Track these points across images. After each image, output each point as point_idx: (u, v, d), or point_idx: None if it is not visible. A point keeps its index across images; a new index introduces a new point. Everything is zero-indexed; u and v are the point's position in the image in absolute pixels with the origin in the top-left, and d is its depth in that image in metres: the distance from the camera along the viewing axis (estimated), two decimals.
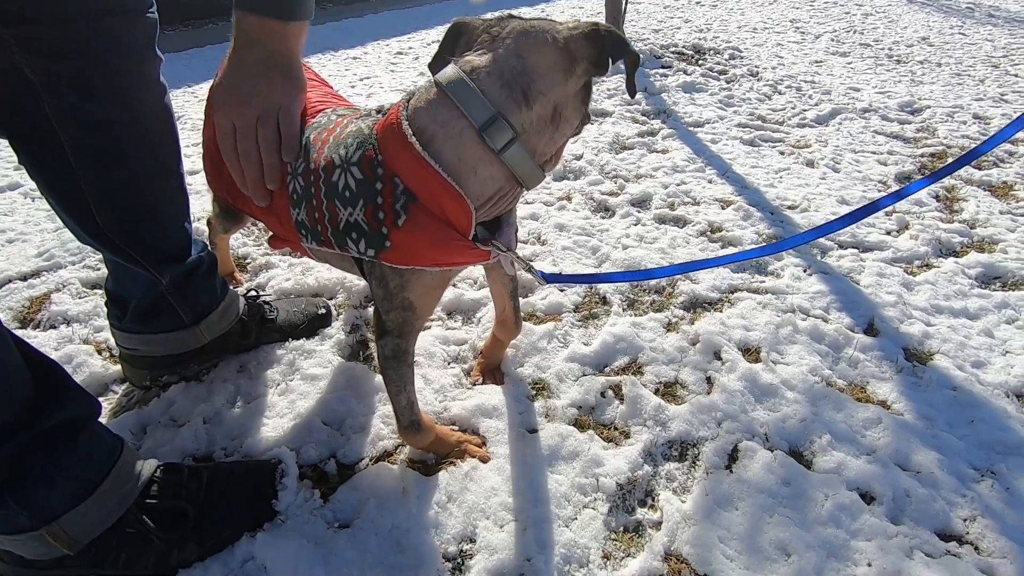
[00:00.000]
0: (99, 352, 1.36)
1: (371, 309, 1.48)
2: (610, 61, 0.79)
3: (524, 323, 1.36)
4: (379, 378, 1.24)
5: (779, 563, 0.91)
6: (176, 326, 1.18)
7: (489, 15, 0.84)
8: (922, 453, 1.10)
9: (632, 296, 1.54)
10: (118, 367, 1.28)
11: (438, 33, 5.17)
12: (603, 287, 1.55)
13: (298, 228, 0.88)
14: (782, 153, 2.50)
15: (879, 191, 2.15)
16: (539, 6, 6.16)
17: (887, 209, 2.00)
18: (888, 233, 1.86)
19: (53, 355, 1.26)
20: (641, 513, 0.99)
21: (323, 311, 1.43)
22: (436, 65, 0.86)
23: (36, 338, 1.38)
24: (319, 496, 0.99)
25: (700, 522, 0.96)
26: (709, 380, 1.27)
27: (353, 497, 0.99)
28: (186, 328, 1.19)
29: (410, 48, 4.51)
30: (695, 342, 1.36)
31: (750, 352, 1.35)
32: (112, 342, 1.37)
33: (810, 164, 2.39)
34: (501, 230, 0.89)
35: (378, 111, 0.86)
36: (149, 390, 1.24)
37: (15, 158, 0.96)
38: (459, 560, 0.91)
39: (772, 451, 1.09)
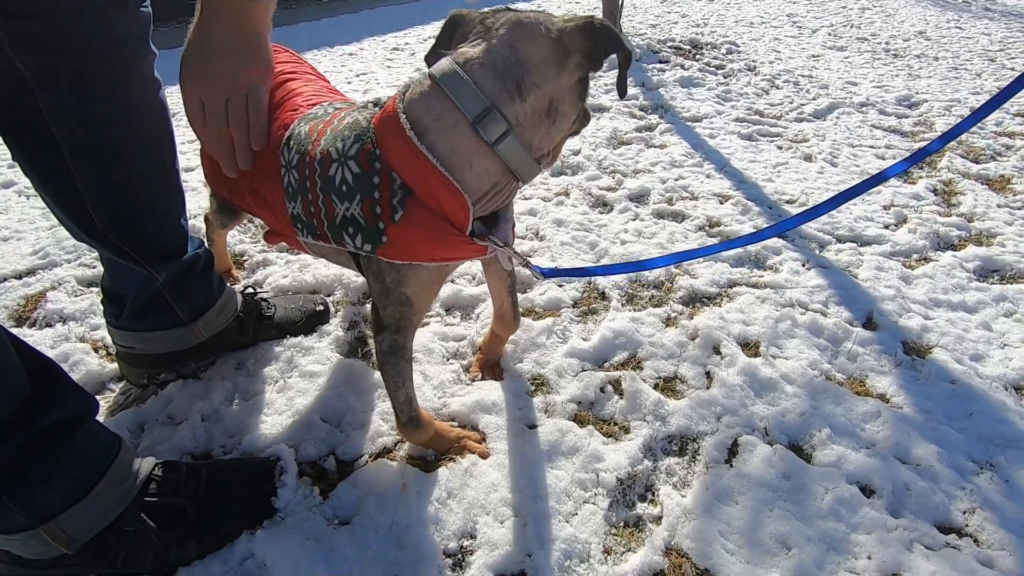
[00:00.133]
0: (96, 350, 1.35)
1: (369, 305, 1.47)
2: (604, 56, 0.79)
3: (523, 319, 1.35)
4: (378, 375, 1.24)
5: (779, 557, 0.91)
6: (173, 323, 1.17)
7: (486, 9, 0.83)
8: (921, 446, 1.10)
9: (631, 291, 1.53)
10: (115, 365, 1.27)
11: (434, 29, 5.15)
12: (602, 282, 1.54)
13: (294, 222, 0.88)
14: (780, 148, 2.49)
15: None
16: (535, 1, 6.14)
17: (885, 203, 2.00)
18: (886, 227, 1.86)
19: (49, 353, 1.25)
20: (641, 508, 0.99)
21: (321, 308, 1.42)
22: (432, 59, 0.86)
23: (32, 336, 1.37)
24: (318, 493, 0.99)
25: (700, 516, 0.96)
26: (708, 375, 1.27)
27: (353, 494, 0.98)
28: (183, 325, 1.18)
29: (406, 44, 4.49)
30: (694, 337, 1.36)
31: (749, 346, 1.35)
32: (109, 340, 1.36)
33: (808, 158, 2.38)
34: (498, 225, 0.88)
35: (375, 104, 0.85)
36: (146, 388, 1.24)
37: (7, 158, 0.95)
38: (460, 556, 0.91)
39: (772, 445, 1.09)
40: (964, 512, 0.99)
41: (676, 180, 2.15)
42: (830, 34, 4.61)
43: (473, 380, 1.25)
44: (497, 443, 1.09)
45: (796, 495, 1.00)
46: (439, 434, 1.05)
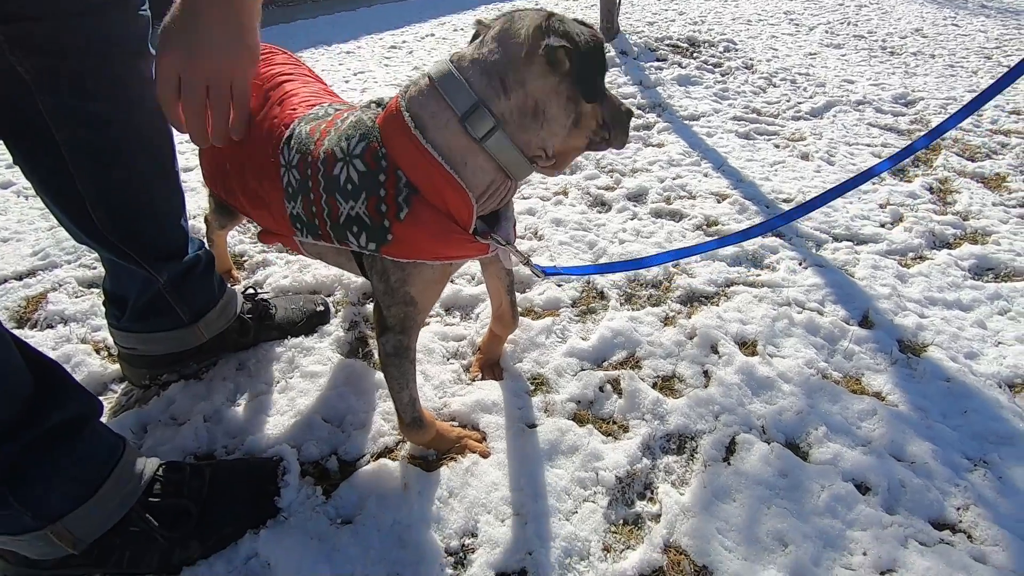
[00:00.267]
0: (97, 351, 1.35)
1: (370, 306, 1.48)
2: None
3: (522, 318, 1.36)
4: (379, 375, 1.24)
5: (776, 553, 0.92)
6: (175, 325, 1.18)
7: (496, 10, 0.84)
8: (916, 444, 1.11)
9: (629, 291, 1.55)
10: (117, 366, 1.28)
11: (432, 27, 5.14)
12: (600, 282, 1.55)
13: (293, 222, 0.88)
14: (777, 146, 2.50)
15: (873, 183, 2.16)
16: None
17: (881, 202, 2.01)
18: (882, 225, 1.88)
19: (51, 355, 1.25)
20: (640, 506, 1.01)
21: (321, 308, 1.43)
22: None
23: (34, 338, 1.38)
24: (321, 493, 1.00)
25: (698, 514, 0.98)
26: (706, 374, 1.28)
27: (355, 494, 0.99)
28: (185, 326, 1.19)
29: (404, 42, 4.49)
30: (692, 336, 1.37)
31: (747, 345, 1.36)
32: (110, 341, 1.36)
33: (805, 157, 2.40)
34: (500, 224, 0.89)
35: (377, 103, 0.86)
36: (148, 389, 1.24)
37: (6, 158, 0.95)
38: (461, 554, 0.92)
39: (769, 443, 1.11)
40: (958, 508, 1.01)
41: (674, 179, 2.16)
42: (827, 31, 4.62)
43: (473, 380, 1.26)
44: (497, 442, 1.10)
45: (793, 493, 1.02)
46: (440, 434, 1.06)
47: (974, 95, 1.11)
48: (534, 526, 0.95)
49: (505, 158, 0.79)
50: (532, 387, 1.24)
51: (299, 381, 1.24)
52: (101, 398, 1.22)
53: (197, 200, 1.93)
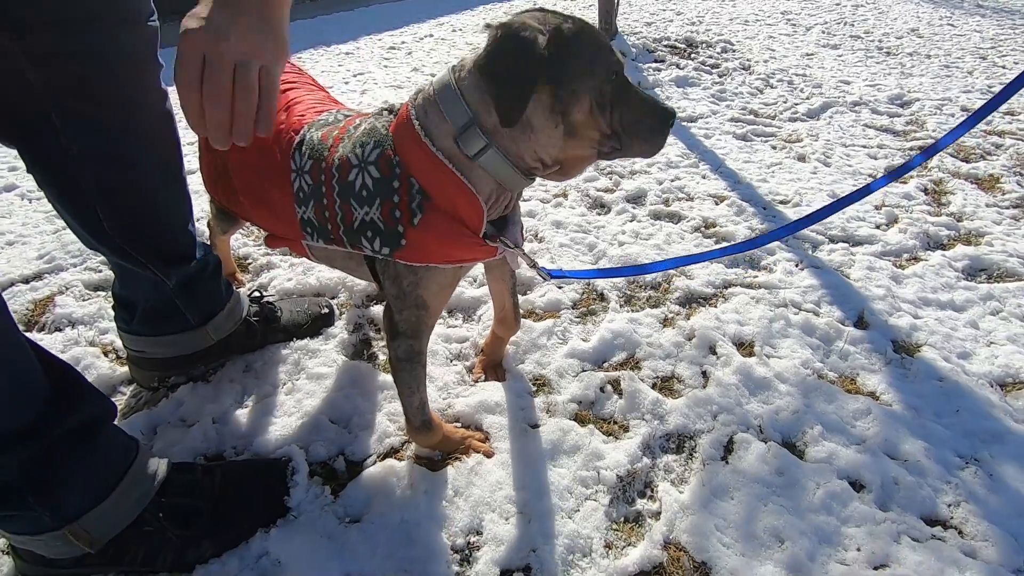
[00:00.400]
0: (105, 354, 1.37)
1: (374, 308, 1.50)
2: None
3: (523, 320, 1.39)
4: (383, 376, 1.27)
5: (773, 549, 0.95)
6: (183, 328, 1.20)
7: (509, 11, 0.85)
8: (909, 442, 1.14)
9: (629, 292, 1.57)
10: (125, 369, 1.30)
11: (430, 27, 5.15)
12: (600, 284, 1.58)
13: (303, 227, 0.90)
14: (774, 148, 2.53)
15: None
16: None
17: (877, 203, 2.04)
18: (878, 227, 1.90)
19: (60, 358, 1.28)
20: (641, 504, 1.03)
21: (326, 311, 1.45)
22: None
23: (42, 341, 1.40)
24: (329, 492, 1.02)
25: (697, 512, 1.00)
26: (705, 374, 1.31)
27: (362, 493, 1.02)
28: (193, 329, 1.21)
29: (403, 43, 4.50)
30: (691, 337, 1.40)
31: (744, 346, 1.39)
32: (118, 344, 1.39)
33: (801, 158, 2.42)
34: (507, 227, 0.91)
35: (389, 111, 0.88)
36: (157, 391, 1.26)
37: (8, 161, 0.97)
38: (467, 552, 0.95)
39: (766, 442, 1.13)
40: (949, 505, 1.04)
41: (672, 181, 2.18)
42: (824, 32, 4.65)
43: (476, 381, 1.28)
44: (501, 442, 1.12)
45: (789, 490, 1.04)
46: (446, 436, 1.08)
47: (969, 113, 1.14)
48: (538, 524, 0.97)
49: (500, 174, 0.81)
50: (534, 388, 1.26)
51: (305, 383, 1.26)
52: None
53: (201, 204, 1.94)
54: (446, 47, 4.41)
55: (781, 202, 2.06)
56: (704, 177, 2.24)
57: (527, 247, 1.78)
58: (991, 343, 1.41)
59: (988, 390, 1.27)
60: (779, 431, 1.17)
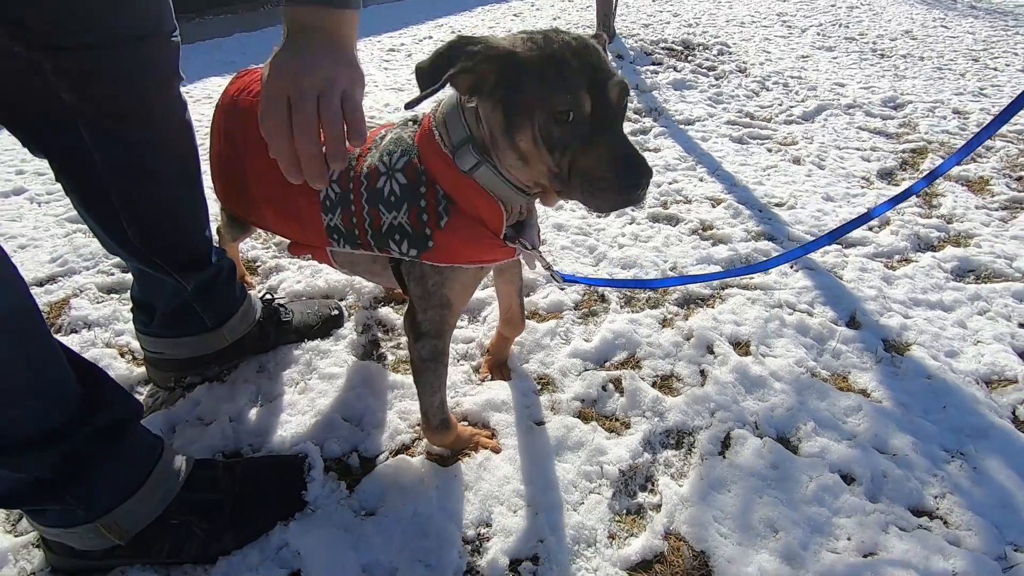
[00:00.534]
0: (122, 355, 1.42)
1: (381, 310, 1.55)
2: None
3: (527, 321, 1.43)
4: (393, 376, 1.31)
5: (768, 539, 1.00)
6: (199, 330, 1.24)
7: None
8: (898, 437, 1.19)
9: (629, 294, 1.62)
10: (142, 369, 1.34)
11: (429, 29, 5.19)
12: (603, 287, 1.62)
13: (329, 233, 0.95)
14: (769, 150, 2.58)
15: (862, 187, 2.25)
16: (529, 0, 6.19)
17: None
18: (870, 229, 1.96)
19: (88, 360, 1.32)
20: (642, 497, 1.08)
21: (336, 312, 1.49)
22: None
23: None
24: (345, 487, 1.07)
25: (696, 504, 1.05)
26: (703, 373, 1.35)
27: (377, 488, 1.06)
28: (209, 332, 1.25)
29: (402, 44, 4.54)
30: (689, 337, 1.45)
31: (740, 346, 1.44)
32: (134, 345, 1.43)
33: (796, 161, 2.47)
34: (525, 230, 0.96)
35: (414, 121, 0.93)
36: (173, 391, 1.31)
37: (15, 164, 1.00)
38: (478, 543, 0.99)
39: (761, 438, 1.18)
40: (935, 497, 1.09)
41: (670, 184, 2.23)
42: (819, 34, 4.70)
43: (483, 380, 1.33)
44: (508, 439, 1.17)
45: (783, 483, 1.09)
46: (457, 435, 1.13)
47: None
48: (544, 516, 1.02)
49: (495, 189, 0.85)
50: (539, 387, 1.31)
51: (317, 382, 1.31)
52: None
53: (211, 209, 1.98)
54: None
55: (776, 205, 2.11)
56: (701, 180, 2.29)
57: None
58: (978, 342, 1.47)
59: (974, 387, 1.33)
60: (774, 427, 1.22)
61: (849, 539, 1.00)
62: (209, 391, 1.28)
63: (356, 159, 0.92)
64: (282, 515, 1.02)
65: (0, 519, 1.03)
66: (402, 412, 1.23)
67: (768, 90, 3.32)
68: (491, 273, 1.27)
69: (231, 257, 1.54)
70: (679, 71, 3.52)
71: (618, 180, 0.72)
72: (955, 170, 2.38)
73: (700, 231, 1.93)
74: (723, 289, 1.64)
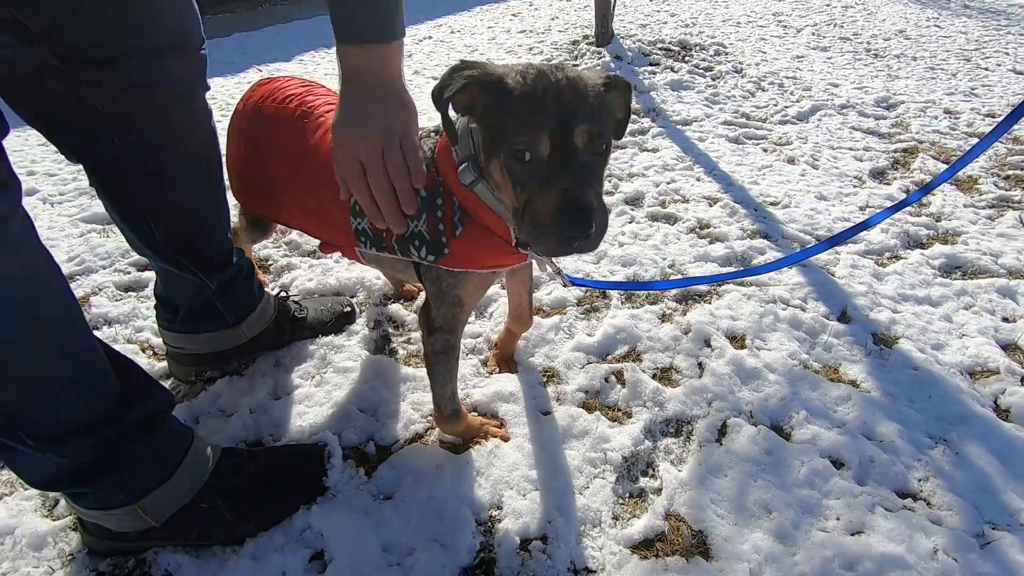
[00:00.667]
0: (143, 351, 1.47)
1: (391, 306, 1.61)
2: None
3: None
4: (405, 369, 1.38)
5: (762, 519, 1.07)
6: (221, 326, 1.30)
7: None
8: (885, 425, 1.26)
9: (629, 291, 1.68)
10: (163, 364, 1.40)
11: (428, 29, 5.23)
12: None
13: (357, 236, 1.01)
14: (765, 150, 2.65)
15: (854, 187, 2.31)
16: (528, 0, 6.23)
17: (861, 205, 2.16)
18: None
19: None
20: (644, 481, 1.14)
21: (348, 309, 1.55)
22: None
23: None
24: (363, 473, 1.13)
25: (695, 487, 1.12)
26: (700, 365, 1.42)
27: (393, 473, 1.13)
28: (229, 328, 1.31)
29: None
30: (687, 331, 1.51)
31: (736, 339, 1.51)
32: (154, 341, 1.49)
33: (791, 161, 2.54)
34: None
35: (436, 131, 0.98)
36: (194, 384, 1.37)
37: (26, 165, 1.04)
38: (490, 524, 1.06)
39: (756, 426, 1.25)
40: (919, 480, 1.16)
41: (668, 183, 2.30)
42: (814, 34, 4.77)
43: (491, 373, 1.39)
44: (516, 428, 1.23)
45: (777, 468, 1.16)
46: (468, 424, 1.19)
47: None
48: (552, 499, 1.08)
49: (494, 206, 0.89)
50: (544, 379, 1.38)
51: (333, 376, 1.37)
52: None
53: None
54: (445, 49, 4.50)
55: (771, 204, 2.17)
56: (698, 179, 2.35)
57: None
58: (963, 335, 1.54)
59: (958, 378, 1.39)
60: (768, 416, 1.29)
61: (838, 519, 1.07)
62: (229, 384, 1.34)
63: None
64: (304, 500, 1.08)
65: (37, 505, 1.09)
66: (415, 403, 1.29)
67: (764, 90, 3.39)
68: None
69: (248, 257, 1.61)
70: (676, 72, 3.58)
71: (558, 229, 0.72)
72: (944, 169, 2.44)
73: (697, 229, 2.00)
74: (720, 286, 1.71)
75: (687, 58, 3.85)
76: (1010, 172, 2.42)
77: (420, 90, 3.49)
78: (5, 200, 0.72)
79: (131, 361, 0.97)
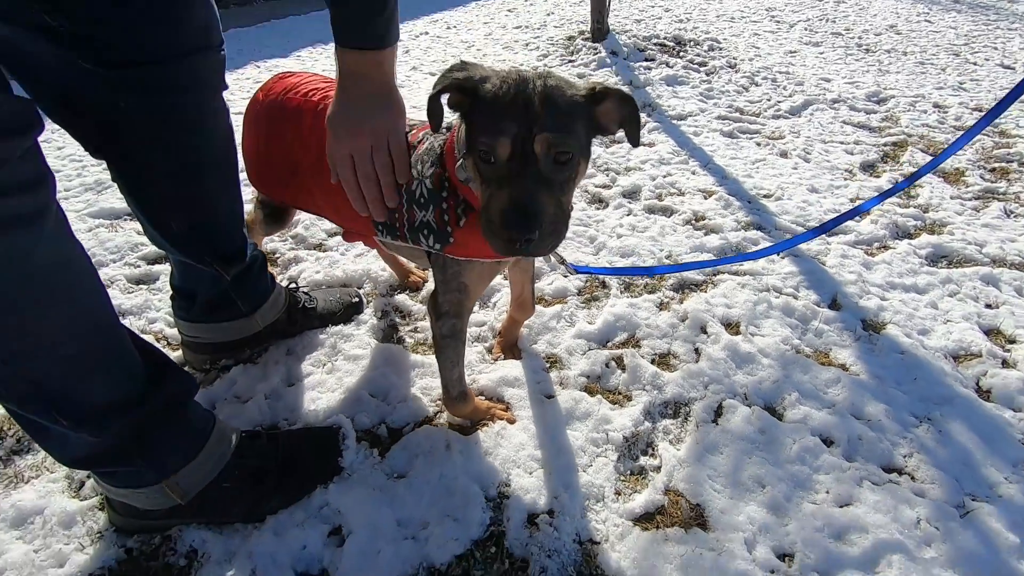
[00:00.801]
0: (157, 340, 1.52)
1: (398, 296, 1.65)
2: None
3: (535, 305, 1.55)
4: (413, 356, 1.43)
5: (756, 493, 1.13)
6: (235, 316, 1.35)
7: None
8: (873, 405, 1.32)
9: (628, 280, 1.74)
10: (178, 353, 1.45)
11: (425, 24, 5.26)
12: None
13: (375, 225, 1.06)
14: (758, 144, 2.71)
15: (845, 180, 2.38)
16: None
17: (852, 197, 2.22)
18: (852, 218, 2.08)
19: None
20: (644, 460, 1.20)
21: (356, 299, 1.60)
22: None
23: None
24: (377, 454, 1.18)
25: (692, 465, 1.18)
26: (697, 351, 1.48)
27: (405, 454, 1.18)
28: (244, 318, 1.36)
29: (399, 41, 4.60)
30: (684, 319, 1.57)
31: (731, 326, 1.56)
32: (168, 331, 1.53)
33: (784, 155, 2.60)
34: None
35: (447, 128, 1.02)
36: (209, 372, 1.41)
37: None
38: (499, 500, 1.11)
39: (750, 407, 1.31)
40: (905, 456, 1.22)
41: (664, 177, 2.35)
42: (807, 29, 4.83)
43: (496, 360, 1.44)
44: (521, 411, 1.29)
45: (770, 446, 1.22)
46: (475, 406, 1.24)
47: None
48: (557, 477, 1.14)
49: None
50: (548, 364, 1.43)
51: (344, 363, 1.42)
52: None
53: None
54: (442, 45, 4.53)
55: (765, 196, 2.23)
56: (694, 173, 2.41)
57: None
58: (948, 321, 1.60)
59: (943, 361, 1.46)
60: (762, 398, 1.35)
61: (828, 492, 1.13)
62: (244, 372, 1.39)
63: None
64: (322, 479, 1.13)
65: (64, 487, 1.14)
66: (424, 388, 1.34)
67: (757, 85, 3.44)
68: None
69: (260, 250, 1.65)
70: (671, 67, 3.63)
71: (504, 229, 0.76)
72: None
73: (693, 221, 2.06)
74: (715, 275, 1.77)
75: (682, 53, 3.90)
76: (996, 164, 2.49)
77: (418, 86, 3.53)
78: (43, 193, 0.76)
79: (154, 346, 1.02)
